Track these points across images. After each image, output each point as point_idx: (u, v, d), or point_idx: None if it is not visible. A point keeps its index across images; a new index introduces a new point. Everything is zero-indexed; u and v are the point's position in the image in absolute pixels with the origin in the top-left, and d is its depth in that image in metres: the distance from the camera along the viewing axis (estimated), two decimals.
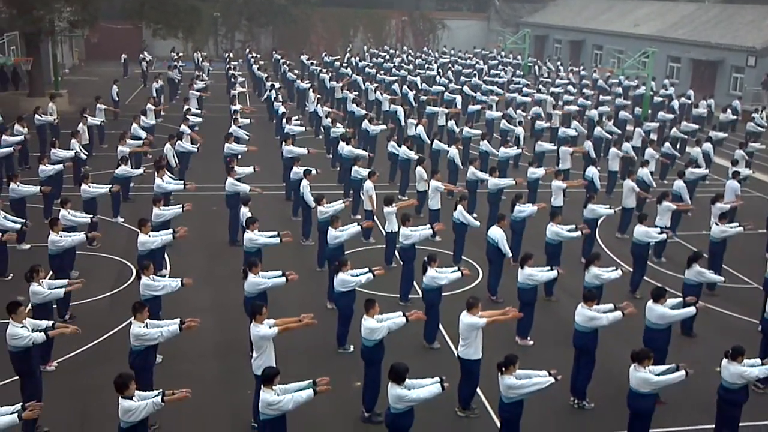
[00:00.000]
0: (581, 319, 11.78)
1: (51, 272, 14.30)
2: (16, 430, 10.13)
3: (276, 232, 14.93)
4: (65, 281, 12.86)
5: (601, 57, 53.91)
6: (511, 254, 15.65)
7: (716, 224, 16.77)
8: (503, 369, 9.74)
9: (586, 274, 13.62)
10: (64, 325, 11.24)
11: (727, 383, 10.39)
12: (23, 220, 16.24)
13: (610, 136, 26.78)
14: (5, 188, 19.14)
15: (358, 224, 15.51)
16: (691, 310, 12.11)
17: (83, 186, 17.87)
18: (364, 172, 19.47)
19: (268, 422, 9.22)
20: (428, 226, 15.82)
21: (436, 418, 11.32)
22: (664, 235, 16.51)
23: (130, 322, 10.78)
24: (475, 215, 17.88)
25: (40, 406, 9.11)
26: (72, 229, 15.63)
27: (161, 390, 9.18)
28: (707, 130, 30.74)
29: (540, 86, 39.62)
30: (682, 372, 10.07)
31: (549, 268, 14.05)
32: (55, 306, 13.23)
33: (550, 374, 9.87)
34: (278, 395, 9.11)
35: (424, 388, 9.52)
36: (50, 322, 10.94)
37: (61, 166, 19.89)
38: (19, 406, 9.05)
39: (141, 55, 44.52)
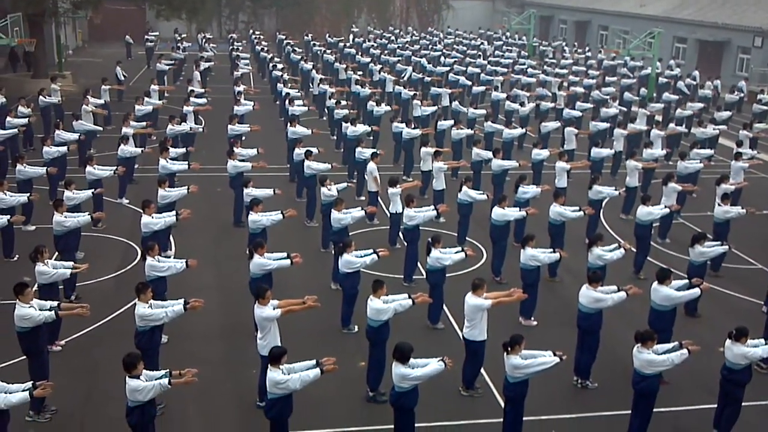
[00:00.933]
0: (586, 300, 11.81)
1: (56, 253, 14.36)
2: (23, 410, 10.26)
3: (279, 212, 14.95)
4: (71, 263, 12.93)
5: (606, 37, 53.57)
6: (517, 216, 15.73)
7: (719, 205, 16.75)
8: (509, 349, 9.78)
9: (589, 254, 13.64)
10: (74, 305, 11.28)
11: (731, 363, 10.42)
12: (27, 194, 16.29)
13: (605, 123, 26.28)
14: (12, 170, 19.17)
15: (362, 209, 15.51)
16: (696, 291, 12.12)
17: (88, 168, 17.89)
18: (368, 153, 19.46)
19: (275, 401, 9.28)
20: (432, 207, 15.82)
21: (440, 398, 11.39)
22: (666, 210, 16.51)
23: (135, 303, 10.84)
24: (480, 191, 17.82)
25: (51, 386, 9.20)
26: (77, 209, 15.68)
27: (168, 370, 9.25)
28: (712, 111, 30.61)
29: (545, 67, 39.42)
30: (685, 351, 10.11)
31: (552, 250, 14.06)
32: (61, 287, 13.30)
33: (555, 354, 9.91)
34: (285, 374, 9.17)
35: (427, 366, 9.58)
36: (56, 303, 10.99)
37: (65, 148, 19.90)
38: (29, 384, 9.15)
39: (146, 36, 44.36)
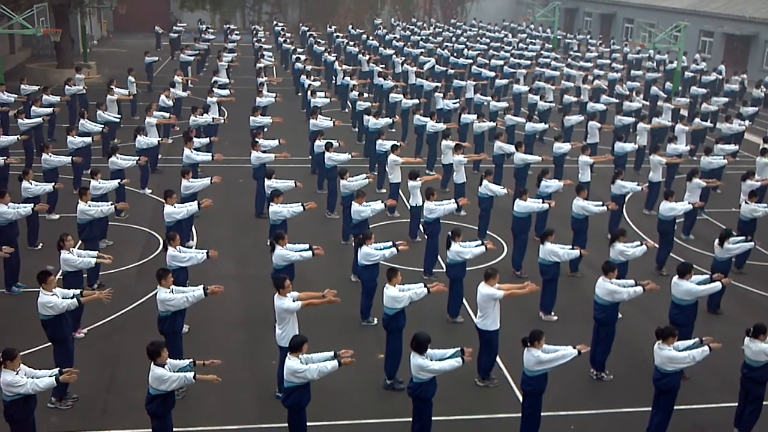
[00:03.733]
0: (601, 292, 11.77)
1: (80, 242, 14.50)
2: (45, 397, 10.39)
3: (300, 203, 15.00)
4: (96, 252, 13.06)
5: (632, 31, 53.09)
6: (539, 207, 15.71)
7: (746, 202, 16.56)
8: (529, 344, 9.75)
9: (611, 250, 13.55)
10: (94, 291, 11.41)
11: (750, 361, 10.33)
12: (53, 183, 16.46)
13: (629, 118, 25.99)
14: (37, 159, 19.38)
15: (383, 202, 15.53)
16: (717, 285, 12.03)
17: (111, 158, 18.03)
18: (389, 145, 19.45)
19: (292, 389, 9.33)
20: (453, 200, 15.80)
21: (457, 388, 11.40)
22: (689, 206, 16.37)
23: (157, 289, 10.94)
24: (501, 186, 17.76)
25: (77, 372, 9.33)
26: (102, 198, 15.82)
27: (192, 360, 9.34)
28: (738, 106, 30.24)
29: (569, 60, 39.14)
30: (706, 348, 10.03)
31: (571, 246, 13.97)
32: (85, 275, 13.43)
33: (574, 347, 9.87)
34: (303, 364, 9.22)
35: (446, 361, 9.60)
36: (78, 290, 11.13)
37: (89, 138, 20.06)
38: (56, 370, 9.29)
39: (174, 27, 44.56)
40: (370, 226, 15.45)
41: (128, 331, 13.01)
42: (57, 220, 17.47)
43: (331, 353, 9.48)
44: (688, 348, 10.15)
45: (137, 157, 18.55)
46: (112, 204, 15.17)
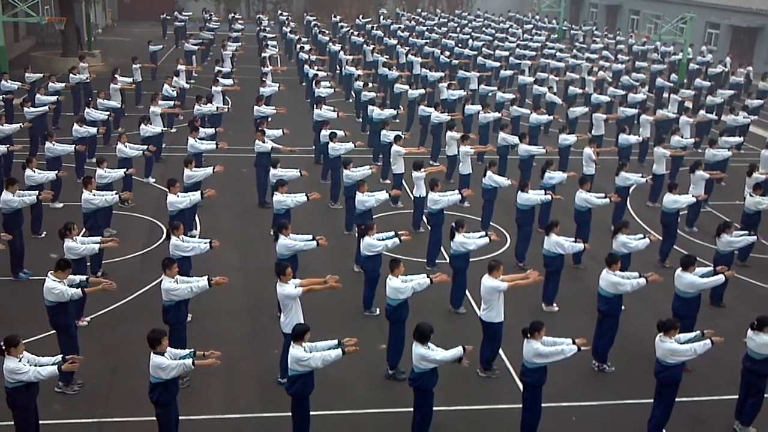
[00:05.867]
0: (605, 284, 11.78)
1: (84, 230, 14.53)
2: (52, 382, 10.43)
3: (304, 194, 15.01)
4: (99, 238, 13.09)
5: (637, 22, 52.89)
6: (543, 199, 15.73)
7: (750, 195, 16.52)
8: (529, 335, 9.76)
9: (613, 242, 13.54)
10: (100, 280, 11.44)
11: (753, 353, 10.34)
12: (56, 171, 16.49)
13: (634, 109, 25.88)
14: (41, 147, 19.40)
15: (387, 192, 15.53)
16: (720, 278, 12.03)
17: (119, 146, 18.02)
18: (393, 135, 19.41)
19: (296, 378, 9.36)
20: (457, 191, 15.79)
21: (459, 380, 11.43)
22: (692, 198, 16.34)
23: (161, 279, 10.97)
24: (505, 177, 17.74)
25: (80, 359, 9.37)
26: (108, 187, 15.84)
27: (192, 350, 9.37)
28: (744, 98, 30.15)
29: (575, 51, 39.01)
30: (708, 341, 10.03)
31: (575, 239, 13.96)
32: (88, 263, 13.48)
33: (574, 342, 9.88)
34: (307, 352, 9.25)
35: (448, 351, 9.62)
36: (84, 277, 11.16)
37: (95, 129, 20.08)
38: (59, 357, 9.34)
39: (179, 15, 44.47)
40: (374, 217, 15.46)
41: (131, 319, 13.05)
42: (61, 209, 17.50)
43: (335, 341, 9.51)
44: (690, 341, 10.17)
45: (146, 146, 18.55)
46: (116, 193, 15.20)
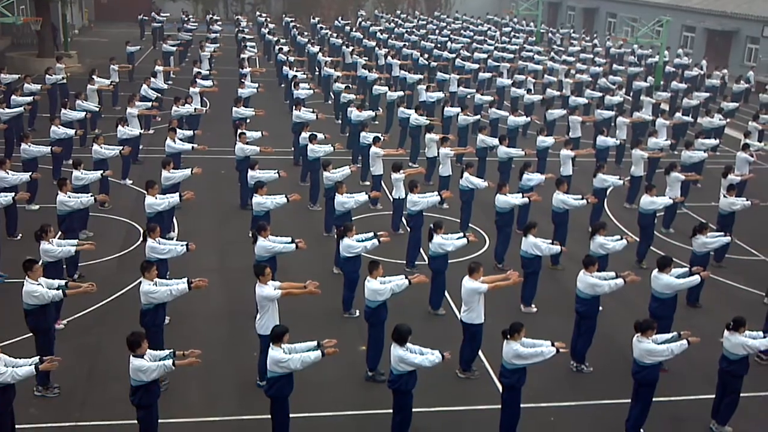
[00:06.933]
0: (583, 285, 11.85)
1: (59, 233, 14.39)
2: (30, 386, 10.31)
3: (284, 195, 14.98)
4: (75, 241, 12.97)
5: (614, 25, 53.33)
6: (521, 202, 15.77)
7: (725, 196, 16.70)
8: (509, 336, 9.79)
9: (591, 243, 13.63)
10: (80, 284, 11.31)
11: (728, 353, 10.45)
12: (30, 173, 16.30)
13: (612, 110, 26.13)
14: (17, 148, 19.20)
15: (366, 194, 15.53)
16: (696, 278, 12.15)
17: (95, 147, 17.88)
18: (372, 137, 19.41)
19: (275, 379, 9.33)
20: (436, 193, 15.82)
21: (437, 380, 11.44)
22: (669, 200, 16.51)
23: (140, 282, 10.89)
24: (482, 179, 17.79)
25: (58, 360, 9.29)
26: (84, 189, 15.70)
27: (172, 350, 9.32)
28: (719, 100, 30.48)
29: (552, 54, 39.25)
30: (684, 342, 10.12)
31: (552, 241, 14.01)
32: (65, 266, 13.34)
33: (554, 345, 9.92)
34: (286, 353, 9.22)
35: (425, 356, 9.63)
36: (63, 281, 11.06)
37: (72, 131, 19.91)
38: (36, 358, 9.25)
39: (156, 16, 44.17)
40: (353, 219, 15.45)
41: (108, 322, 12.94)
42: (37, 211, 17.32)
43: (315, 343, 9.49)
44: (667, 341, 10.25)
45: (121, 147, 18.42)
46: (92, 196, 15.06)
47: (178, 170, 16.84)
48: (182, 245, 12.54)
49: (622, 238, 13.83)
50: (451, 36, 43.67)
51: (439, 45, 40.15)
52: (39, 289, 10.51)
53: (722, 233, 14.80)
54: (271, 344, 9.31)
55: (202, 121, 23.20)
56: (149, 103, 23.11)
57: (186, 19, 43.28)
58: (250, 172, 16.38)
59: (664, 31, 37.18)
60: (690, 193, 19.65)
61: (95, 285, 11.14)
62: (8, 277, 13.95)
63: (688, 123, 25.87)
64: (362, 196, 15.26)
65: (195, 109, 22.51)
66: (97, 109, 23.54)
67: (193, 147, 18.63)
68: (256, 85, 25.70)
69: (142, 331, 9.58)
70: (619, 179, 17.84)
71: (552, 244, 13.80)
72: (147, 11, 47.40)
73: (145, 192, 14.76)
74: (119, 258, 15.60)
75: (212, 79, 27.56)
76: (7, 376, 8.81)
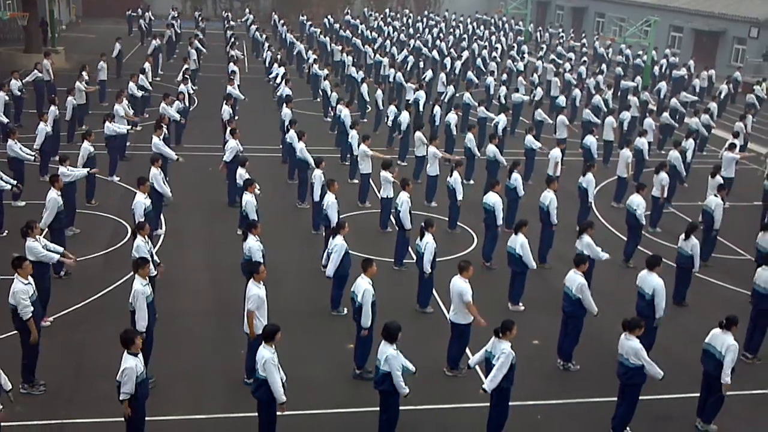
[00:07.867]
0: (573, 285, 11.84)
1: (46, 230, 14.29)
2: (15, 381, 10.26)
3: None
4: (61, 249, 12.79)
5: (603, 25, 53.51)
6: (501, 223, 15.70)
7: (715, 195, 16.70)
8: (500, 334, 9.79)
9: (578, 241, 13.67)
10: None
11: (714, 350, 10.52)
12: (14, 182, 16.16)
13: (605, 108, 26.36)
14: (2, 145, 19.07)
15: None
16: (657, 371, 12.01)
17: (84, 143, 17.73)
18: (360, 135, 19.38)
19: (263, 381, 9.27)
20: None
21: (425, 378, 11.40)
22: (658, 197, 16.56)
23: (126, 280, 10.83)
24: (472, 182, 17.83)
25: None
26: (70, 186, 15.57)
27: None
28: (707, 101, 30.63)
29: (540, 53, 39.32)
30: (661, 372, 10.28)
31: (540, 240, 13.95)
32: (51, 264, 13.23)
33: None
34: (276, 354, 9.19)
35: (401, 381, 9.57)
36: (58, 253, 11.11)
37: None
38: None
39: (144, 12, 43.97)
40: (341, 216, 15.42)
41: (95, 319, 12.87)
42: (23, 207, 17.21)
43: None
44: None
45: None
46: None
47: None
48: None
49: (606, 254, 13.83)
50: (440, 35, 43.67)
51: (427, 44, 40.13)
52: (28, 288, 10.46)
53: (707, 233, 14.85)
54: (263, 343, 9.29)
55: (189, 119, 23.08)
56: (139, 94, 22.94)
57: (175, 15, 43.08)
58: (239, 170, 16.34)
59: (651, 31, 37.36)
60: (677, 192, 19.74)
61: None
62: None
63: (673, 126, 25.97)
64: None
65: (180, 118, 22.22)
66: (84, 105, 23.36)
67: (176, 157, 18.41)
68: (243, 97, 25.41)
69: (134, 328, 9.49)
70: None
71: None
72: (135, 7, 47.18)
73: (137, 190, 14.63)
74: (106, 255, 15.52)
75: (199, 75, 27.35)
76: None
